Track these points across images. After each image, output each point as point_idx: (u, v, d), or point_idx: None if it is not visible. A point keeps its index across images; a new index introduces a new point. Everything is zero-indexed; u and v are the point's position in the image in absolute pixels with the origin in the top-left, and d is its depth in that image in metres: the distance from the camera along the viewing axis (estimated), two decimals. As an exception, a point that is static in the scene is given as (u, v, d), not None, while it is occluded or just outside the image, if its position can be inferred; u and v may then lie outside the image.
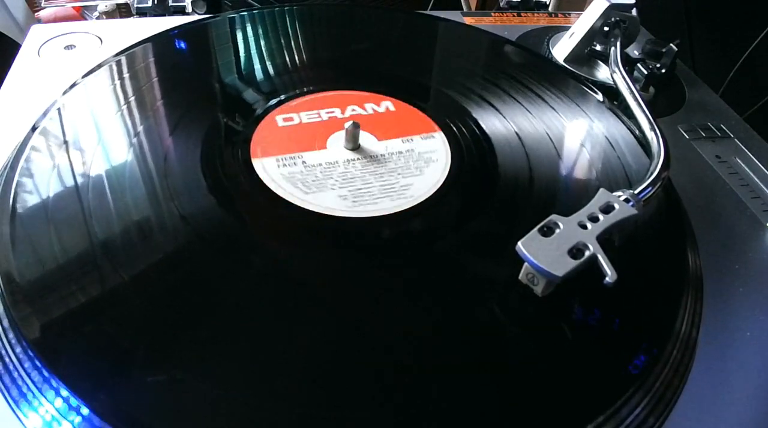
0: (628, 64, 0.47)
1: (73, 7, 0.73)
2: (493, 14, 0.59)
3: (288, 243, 0.33)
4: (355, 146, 0.38)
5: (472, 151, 0.39)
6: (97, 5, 0.64)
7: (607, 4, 0.49)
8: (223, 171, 0.35)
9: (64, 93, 0.40)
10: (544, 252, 0.28)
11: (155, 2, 0.56)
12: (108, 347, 0.26)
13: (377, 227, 0.33)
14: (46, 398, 0.25)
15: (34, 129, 0.37)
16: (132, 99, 0.40)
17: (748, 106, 0.66)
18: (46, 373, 0.25)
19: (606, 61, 0.48)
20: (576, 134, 0.41)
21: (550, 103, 0.43)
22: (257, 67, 0.45)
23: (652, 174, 0.34)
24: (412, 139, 0.38)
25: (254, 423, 0.24)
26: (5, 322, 0.27)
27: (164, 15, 0.56)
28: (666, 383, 0.28)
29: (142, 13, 0.56)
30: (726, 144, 0.45)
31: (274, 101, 0.41)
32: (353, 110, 0.41)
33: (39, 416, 0.25)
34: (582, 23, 0.51)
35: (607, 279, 0.27)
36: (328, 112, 0.41)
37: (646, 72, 0.48)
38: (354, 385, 0.26)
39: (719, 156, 0.43)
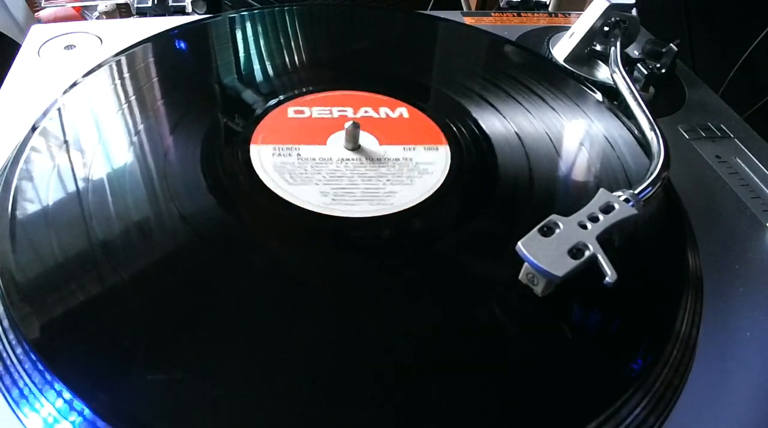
0: (628, 64, 0.47)
1: (73, 7, 0.73)
2: (493, 14, 0.59)
3: (257, 230, 0.33)
4: (354, 146, 0.38)
5: (471, 151, 0.39)
6: (97, 5, 0.64)
7: (607, 4, 0.49)
8: (219, 159, 0.36)
9: (64, 93, 0.40)
10: (544, 252, 0.28)
11: (155, 2, 0.56)
12: (108, 347, 0.26)
13: (345, 228, 0.33)
14: (46, 398, 0.25)
15: (34, 129, 0.37)
16: (132, 99, 0.40)
17: (748, 106, 0.66)
18: (45, 373, 0.25)
19: (606, 61, 0.48)
20: (576, 134, 0.41)
21: (550, 103, 0.43)
22: (257, 67, 0.45)
23: (652, 174, 0.34)
24: (414, 148, 0.38)
25: (254, 423, 0.24)
26: (5, 322, 0.27)
27: (164, 15, 0.56)
28: (666, 383, 0.28)
29: (142, 13, 0.56)
30: (726, 144, 0.45)
31: (273, 101, 0.41)
32: (366, 112, 0.41)
33: (39, 416, 0.25)
34: (582, 23, 0.51)
35: (607, 279, 0.27)
36: (340, 110, 0.41)
37: (646, 72, 0.48)
38: (354, 385, 0.26)
39: (719, 156, 0.43)
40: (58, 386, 0.25)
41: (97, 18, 0.66)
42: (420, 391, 0.26)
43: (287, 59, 0.46)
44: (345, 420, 0.25)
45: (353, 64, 0.48)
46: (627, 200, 0.31)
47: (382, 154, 0.37)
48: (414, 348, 0.28)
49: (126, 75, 0.42)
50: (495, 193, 0.36)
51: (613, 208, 0.31)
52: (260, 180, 0.35)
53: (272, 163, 0.36)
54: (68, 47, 0.49)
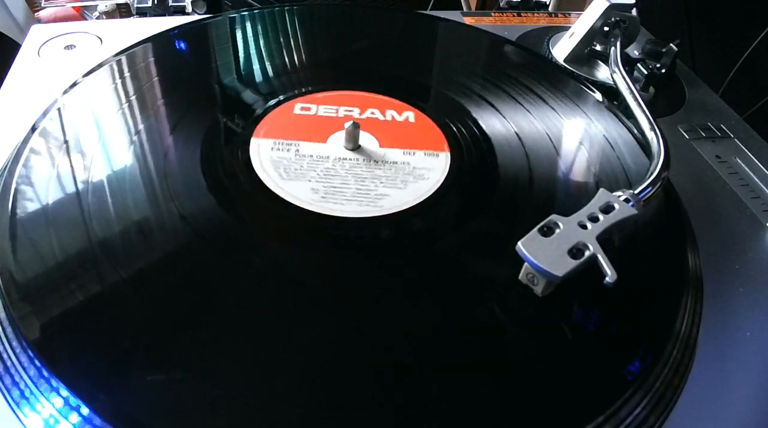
0: (628, 64, 0.47)
1: (73, 7, 0.73)
2: (493, 14, 0.59)
3: (243, 222, 0.34)
4: (354, 146, 0.38)
5: (471, 151, 0.39)
6: (97, 5, 0.64)
7: (607, 4, 0.49)
8: (219, 153, 0.36)
9: (64, 93, 0.40)
10: (544, 252, 0.28)
11: (155, 2, 0.56)
12: (108, 347, 0.26)
13: (330, 226, 0.33)
14: (46, 398, 0.25)
15: (34, 129, 0.37)
16: (132, 98, 0.40)
17: (748, 106, 0.66)
18: (46, 373, 0.25)
19: (606, 61, 0.48)
20: (576, 134, 0.41)
21: (550, 103, 0.43)
22: (257, 67, 0.45)
23: (652, 174, 0.34)
24: (414, 153, 0.38)
25: (254, 423, 0.24)
26: (5, 322, 0.27)
27: (164, 15, 0.56)
28: (666, 383, 0.28)
29: (142, 13, 0.56)
30: (726, 144, 0.45)
31: (273, 101, 0.41)
32: (372, 113, 0.41)
33: (39, 416, 0.25)
34: (582, 23, 0.51)
35: (607, 279, 0.27)
36: (346, 110, 0.41)
37: (646, 72, 0.48)
38: (354, 385, 0.26)
39: (719, 156, 0.43)
40: (57, 386, 0.25)
41: (97, 18, 0.66)
42: (420, 391, 0.26)
43: (287, 59, 0.46)
44: (345, 420, 0.25)
45: (353, 64, 0.48)
46: (627, 200, 0.31)
47: (381, 156, 0.37)
48: (414, 348, 0.28)
49: (126, 75, 0.42)
50: (495, 192, 0.36)
51: (613, 208, 0.31)
52: (255, 173, 0.35)
53: (270, 157, 0.36)
54: (68, 47, 0.49)
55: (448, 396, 0.26)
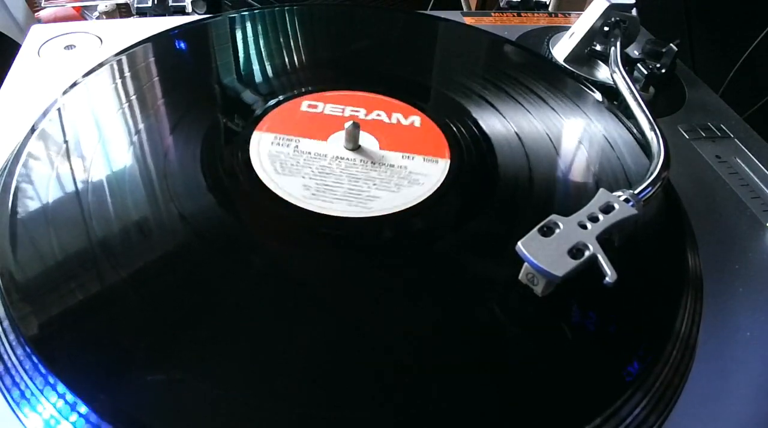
0: (628, 64, 0.47)
1: (73, 7, 0.73)
2: (493, 14, 0.59)
3: (233, 213, 0.34)
4: (354, 147, 0.38)
5: (471, 151, 0.39)
6: (97, 5, 0.64)
7: (607, 4, 0.49)
8: (219, 146, 0.36)
9: (64, 93, 0.40)
10: (544, 252, 0.28)
11: (155, 2, 0.56)
12: (108, 347, 0.26)
13: (314, 223, 0.33)
14: (46, 398, 0.25)
15: (34, 129, 0.37)
16: (132, 98, 0.40)
17: (748, 106, 0.66)
18: (45, 373, 0.25)
19: (606, 61, 0.48)
20: (576, 134, 0.41)
21: (550, 103, 0.43)
22: (257, 67, 0.45)
23: (652, 174, 0.34)
24: (413, 158, 0.37)
25: (254, 423, 0.24)
26: (5, 322, 0.27)
27: (164, 15, 0.56)
28: (666, 383, 0.28)
29: (142, 13, 0.56)
30: (726, 144, 0.45)
31: (273, 101, 0.41)
32: (378, 115, 0.41)
33: (39, 416, 0.25)
34: (582, 23, 0.51)
35: (607, 279, 0.27)
36: (353, 110, 0.41)
37: (646, 72, 0.48)
38: (354, 385, 0.26)
39: (719, 156, 0.43)
40: (58, 386, 0.25)
41: (97, 18, 0.66)
42: (420, 391, 0.26)
43: (287, 59, 0.46)
44: (345, 420, 0.25)
45: (353, 64, 0.48)
46: (627, 200, 0.31)
47: (379, 158, 0.37)
48: (414, 348, 0.28)
49: (126, 75, 0.42)
50: (495, 192, 0.36)
51: (613, 208, 0.31)
52: (252, 166, 0.36)
53: (268, 151, 0.37)
54: (68, 47, 0.49)
55: (448, 396, 0.26)
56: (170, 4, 0.56)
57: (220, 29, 0.49)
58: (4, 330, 0.27)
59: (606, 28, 0.49)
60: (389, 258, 0.32)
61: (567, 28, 0.54)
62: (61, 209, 0.32)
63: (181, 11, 0.56)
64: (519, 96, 0.44)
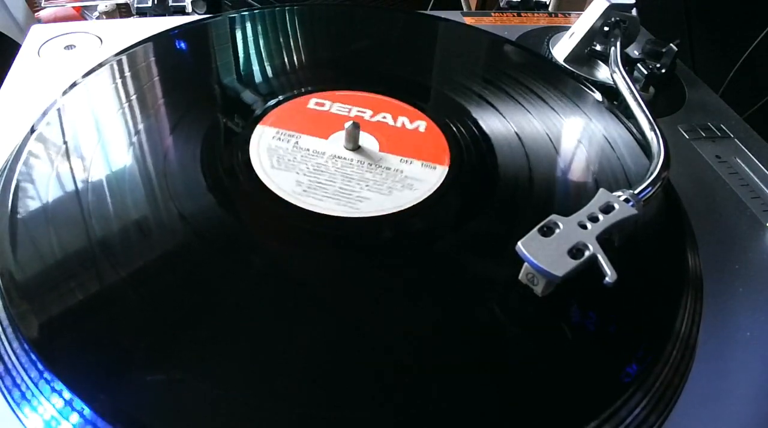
0: (628, 64, 0.47)
1: (73, 7, 0.73)
2: (493, 14, 0.59)
3: (226, 205, 0.34)
4: (353, 147, 0.38)
5: (471, 155, 0.39)
6: (97, 5, 0.64)
7: (607, 4, 0.49)
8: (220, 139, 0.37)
9: (64, 93, 0.40)
10: (544, 252, 0.28)
11: (155, 2, 0.56)
12: (108, 347, 0.26)
13: (299, 219, 0.33)
14: (46, 398, 0.25)
15: (33, 129, 0.37)
16: (132, 98, 0.40)
17: (748, 106, 0.66)
18: (45, 373, 0.25)
19: (606, 61, 0.48)
20: (576, 134, 0.41)
21: (550, 103, 0.43)
22: (256, 67, 0.45)
23: (652, 174, 0.34)
24: (411, 162, 0.37)
25: (254, 423, 0.24)
26: (5, 322, 0.27)
27: (164, 15, 0.56)
28: (666, 383, 0.28)
29: (142, 13, 0.56)
30: (726, 144, 0.45)
31: (273, 101, 0.41)
32: (383, 117, 0.40)
33: (39, 416, 0.25)
34: (582, 23, 0.51)
35: (607, 279, 0.27)
36: (359, 110, 0.41)
37: (646, 72, 0.48)
38: (354, 385, 0.26)
39: (719, 156, 0.43)
40: (58, 386, 0.25)
41: (97, 18, 0.66)
42: (420, 391, 0.26)
43: (287, 59, 0.46)
44: (345, 420, 0.25)
45: (353, 64, 0.48)
46: (627, 200, 0.31)
47: (377, 160, 0.37)
48: (414, 348, 0.28)
49: (126, 75, 0.42)
50: (495, 192, 0.36)
51: (613, 208, 0.31)
52: (249, 159, 0.36)
53: (268, 145, 0.37)
54: (68, 47, 0.49)
55: (448, 396, 0.26)
56: (170, 4, 0.56)
57: (220, 29, 0.49)
58: (4, 331, 0.27)
59: (606, 28, 0.49)
60: (369, 258, 0.32)
61: (567, 28, 0.54)
62: (61, 209, 0.32)
63: (181, 11, 0.56)
64: (519, 96, 0.44)
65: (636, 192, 0.32)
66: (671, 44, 0.49)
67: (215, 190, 0.34)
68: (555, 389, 0.26)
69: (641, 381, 0.27)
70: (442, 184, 0.36)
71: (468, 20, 0.57)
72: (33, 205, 0.32)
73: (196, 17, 0.55)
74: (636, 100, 0.42)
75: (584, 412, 0.26)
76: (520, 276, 0.30)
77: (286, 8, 0.53)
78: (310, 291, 0.30)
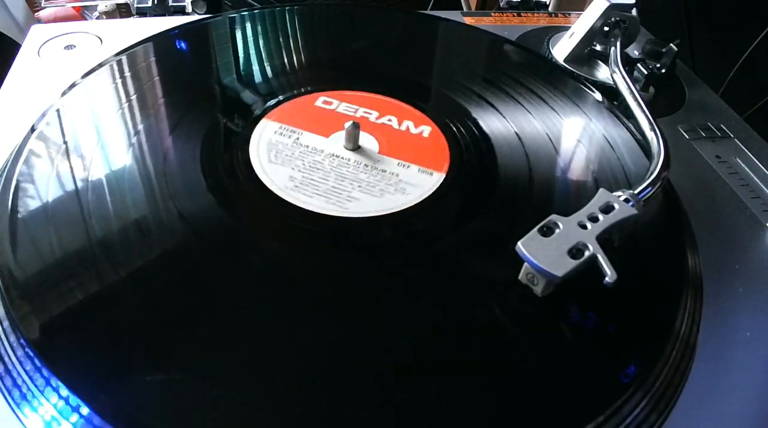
0: (628, 64, 0.47)
1: (73, 7, 0.73)
2: (493, 14, 0.59)
3: (217, 195, 0.34)
4: (353, 147, 0.37)
5: (470, 161, 0.38)
6: (97, 5, 0.64)
7: (607, 4, 0.49)
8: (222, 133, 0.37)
9: (64, 92, 0.40)
10: (544, 252, 0.28)
11: (155, 2, 0.56)
12: (108, 346, 0.26)
13: (285, 213, 0.33)
14: (46, 398, 0.25)
15: (33, 128, 0.37)
16: (132, 98, 0.40)
17: (748, 106, 0.66)
18: (45, 373, 0.25)
19: (606, 61, 0.48)
20: (575, 134, 0.41)
21: (550, 103, 0.43)
22: (256, 67, 0.45)
23: (652, 174, 0.34)
24: (408, 166, 0.37)
25: (254, 423, 0.24)
26: (5, 323, 0.27)
27: (164, 15, 0.56)
28: (666, 383, 0.28)
29: (142, 13, 0.56)
30: (726, 144, 0.45)
31: (272, 101, 0.41)
32: (389, 120, 0.40)
33: (39, 416, 0.25)
34: (582, 23, 0.51)
35: (606, 279, 0.27)
36: (365, 111, 0.41)
37: (646, 72, 0.48)
38: (354, 385, 0.26)
39: (719, 156, 0.43)
40: (57, 386, 0.25)
41: (97, 18, 0.66)
42: (420, 391, 0.26)
43: (287, 59, 0.46)
44: (345, 420, 0.25)
45: (353, 64, 0.48)
46: (627, 200, 0.31)
47: (374, 161, 0.37)
48: (414, 348, 0.28)
49: (126, 75, 0.42)
50: (495, 192, 0.36)
51: (612, 208, 0.31)
52: (248, 152, 0.36)
53: (269, 139, 0.37)
54: (68, 47, 0.49)
55: (448, 396, 0.26)
56: (170, 4, 0.56)
57: (220, 29, 0.49)
58: (4, 331, 0.27)
59: (606, 28, 0.49)
60: (349, 257, 0.32)
61: (567, 28, 0.54)
62: (61, 209, 0.32)
63: (181, 11, 0.56)
64: (519, 96, 0.44)
65: (636, 192, 0.32)
66: (671, 44, 0.49)
67: (213, 184, 0.34)
68: (555, 389, 0.26)
69: (641, 381, 0.27)
70: (436, 190, 0.35)
71: (468, 20, 0.57)
72: (33, 204, 0.32)
73: (196, 17, 0.55)
74: (636, 100, 0.42)
75: (584, 412, 0.26)
76: (520, 276, 0.30)
77: (286, 8, 0.53)
78: (297, 288, 0.30)
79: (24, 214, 0.31)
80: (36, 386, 0.25)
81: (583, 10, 0.52)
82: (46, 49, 0.48)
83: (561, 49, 0.52)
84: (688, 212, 0.38)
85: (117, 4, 0.64)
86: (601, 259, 0.28)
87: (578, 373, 0.27)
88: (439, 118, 0.41)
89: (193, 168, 0.35)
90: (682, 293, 0.31)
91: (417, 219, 0.34)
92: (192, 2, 0.57)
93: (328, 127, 0.39)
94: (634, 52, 0.52)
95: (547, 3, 0.65)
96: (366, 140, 0.38)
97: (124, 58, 0.44)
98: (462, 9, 0.81)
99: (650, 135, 0.38)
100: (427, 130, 0.40)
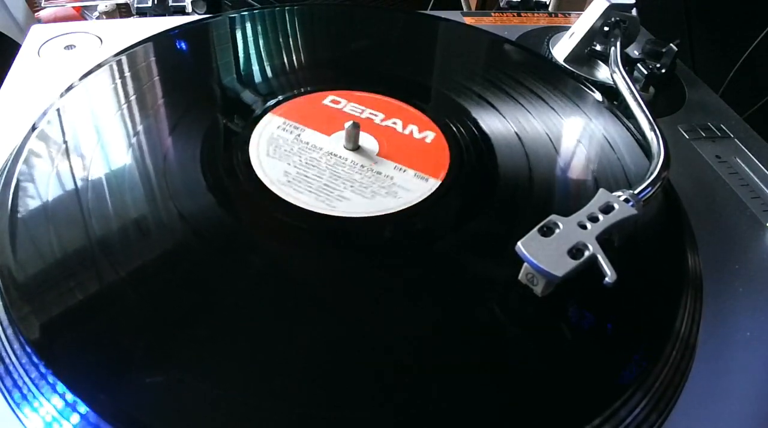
0: (628, 64, 0.47)
1: (73, 7, 0.73)
2: (493, 14, 0.59)
3: (207, 180, 0.34)
4: (353, 147, 0.37)
5: (471, 151, 0.39)
6: (97, 5, 0.64)
7: (607, 4, 0.49)
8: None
9: (64, 92, 0.40)
10: (544, 253, 0.28)
11: (155, 2, 0.56)
12: (108, 347, 0.26)
13: (273, 207, 0.33)
14: (46, 398, 0.25)
15: (33, 128, 0.37)
16: (132, 98, 0.40)
17: (748, 106, 0.66)
18: (46, 373, 0.25)
19: (606, 61, 0.48)
20: (575, 134, 0.41)
21: (550, 103, 0.43)
22: (256, 67, 0.45)
23: (652, 174, 0.34)
24: (405, 170, 0.36)
25: (254, 423, 0.24)
26: (5, 323, 0.27)
27: (164, 15, 0.56)
28: (666, 383, 0.28)
29: (142, 13, 0.56)
30: (726, 144, 0.45)
31: (272, 101, 0.41)
32: (393, 123, 0.40)
33: (39, 416, 0.25)
34: (582, 23, 0.51)
35: (606, 279, 0.27)
36: (372, 113, 0.41)
37: (646, 72, 0.48)
38: (354, 385, 0.26)
39: (719, 156, 0.43)
40: (58, 386, 0.25)
41: (97, 18, 0.66)
42: (420, 391, 0.26)
43: (286, 59, 0.46)
44: (345, 420, 0.25)
45: (353, 64, 0.48)
46: (627, 200, 0.31)
47: (371, 163, 0.37)
48: (414, 348, 0.28)
49: (126, 75, 0.42)
50: (495, 192, 0.36)
51: (612, 208, 0.31)
52: (248, 145, 0.37)
53: (271, 133, 0.38)
54: (68, 47, 0.49)
55: (448, 396, 0.26)
56: (170, 4, 0.56)
57: (220, 29, 0.49)
58: (4, 331, 0.27)
59: (606, 28, 0.49)
60: (324, 255, 0.32)
61: (567, 28, 0.54)
62: (61, 209, 0.32)
63: (181, 11, 0.56)
64: (519, 96, 0.44)
65: (636, 192, 0.32)
66: (671, 44, 0.49)
67: (213, 187, 0.34)
68: (555, 389, 0.26)
69: (641, 381, 0.27)
70: (428, 196, 0.35)
71: (468, 20, 0.57)
72: (33, 203, 0.32)
73: (196, 17, 0.55)
74: (636, 100, 0.42)
75: (584, 412, 0.26)
76: (520, 276, 0.30)
77: (286, 8, 0.53)
78: (297, 287, 0.30)
79: (24, 214, 0.31)
80: (36, 386, 0.25)
81: (583, 10, 0.52)
82: (46, 49, 0.48)
83: (561, 49, 0.52)
84: (688, 212, 0.38)
85: (117, 4, 0.64)
86: (601, 259, 0.28)
87: (578, 373, 0.27)
88: (439, 118, 0.41)
89: (193, 167, 0.35)
90: (682, 293, 0.31)
91: (404, 223, 0.34)
92: (192, 2, 0.57)
93: (331, 125, 0.39)
94: (634, 52, 0.52)
95: (547, 3, 0.65)
96: (367, 141, 0.38)
97: (124, 57, 0.44)
98: (462, 9, 0.81)
99: (650, 135, 0.38)
100: (431, 135, 0.40)
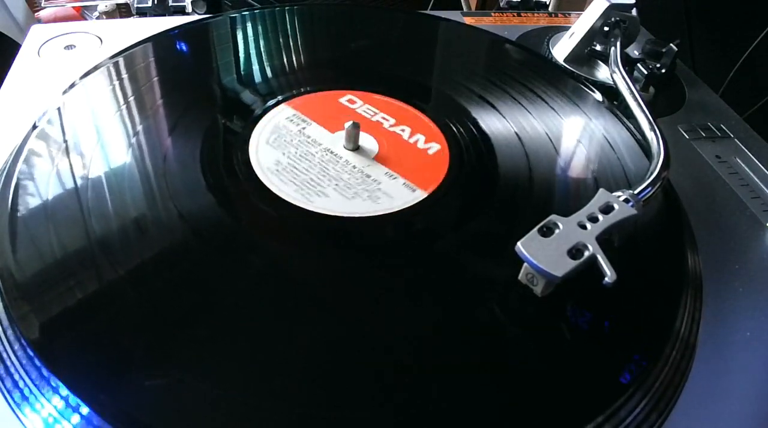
0: (628, 64, 0.47)
1: (73, 7, 0.73)
2: (493, 14, 0.59)
3: (210, 161, 0.35)
4: (353, 147, 0.37)
5: (471, 151, 0.39)
6: (97, 5, 0.64)
7: (607, 4, 0.49)
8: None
9: (64, 92, 0.40)
10: (544, 253, 0.28)
11: (155, 2, 0.56)
12: (108, 347, 0.26)
13: (256, 194, 0.34)
14: (47, 399, 0.25)
15: (33, 128, 0.37)
16: (132, 98, 0.40)
17: (748, 106, 0.66)
18: (46, 373, 0.25)
19: (606, 61, 0.48)
20: (575, 134, 0.41)
21: (549, 103, 0.43)
22: (256, 67, 0.45)
23: (651, 174, 0.34)
24: (395, 177, 0.36)
25: (254, 423, 0.24)
26: (5, 323, 0.27)
27: (164, 15, 0.56)
28: (666, 383, 0.28)
29: (142, 13, 0.56)
30: (726, 144, 0.45)
31: (272, 101, 0.41)
32: (401, 130, 0.40)
33: (40, 417, 0.25)
34: (582, 23, 0.51)
35: (606, 279, 0.27)
36: (383, 117, 0.41)
37: (646, 72, 0.48)
38: (354, 385, 0.26)
39: (719, 156, 0.43)
40: (57, 386, 0.25)
41: (97, 18, 0.66)
42: (420, 391, 0.26)
43: (286, 59, 0.46)
44: (345, 420, 0.25)
45: (353, 64, 0.48)
46: (627, 200, 0.31)
47: (364, 165, 0.37)
48: (414, 348, 0.28)
49: (126, 75, 0.42)
50: (495, 192, 0.36)
51: (612, 208, 0.31)
52: (252, 132, 0.38)
53: (276, 123, 0.39)
54: (68, 47, 0.49)
55: (448, 396, 0.26)
56: (170, 4, 0.56)
57: (220, 29, 0.49)
58: (4, 332, 0.27)
59: (606, 28, 0.49)
60: (285, 251, 0.32)
61: (567, 28, 0.54)
62: (61, 209, 0.32)
63: (181, 11, 0.56)
64: (519, 96, 0.44)
65: (636, 192, 0.32)
66: (671, 44, 0.49)
67: (212, 179, 0.34)
68: (555, 389, 0.26)
69: (641, 381, 0.27)
70: (408, 207, 0.34)
71: (468, 20, 0.57)
72: (33, 203, 0.32)
73: (196, 17, 0.55)
74: (636, 100, 0.42)
75: (584, 412, 0.26)
76: (520, 276, 0.30)
77: (286, 8, 0.53)
78: (296, 287, 0.30)
79: (24, 213, 0.31)
80: (36, 386, 0.25)
81: (583, 10, 0.52)
82: (46, 49, 0.48)
83: (561, 49, 0.52)
84: (688, 212, 0.38)
85: (117, 4, 0.64)
86: (601, 259, 0.28)
87: (578, 373, 0.27)
88: (439, 118, 0.41)
89: (193, 167, 0.35)
90: (682, 293, 0.31)
91: (376, 227, 0.33)
92: (192, 2, 0.57)
93: (339, 123, 0.39)
94: (634, 52, 0.52)
95: (547, 3, 0.65)
96: (368, 143, 0.38)
97: (123, 58, 0.44)
98: (462, 9, 0.81)
99: (650, 135, 0.38)
100: (435, 147, 0.39)
